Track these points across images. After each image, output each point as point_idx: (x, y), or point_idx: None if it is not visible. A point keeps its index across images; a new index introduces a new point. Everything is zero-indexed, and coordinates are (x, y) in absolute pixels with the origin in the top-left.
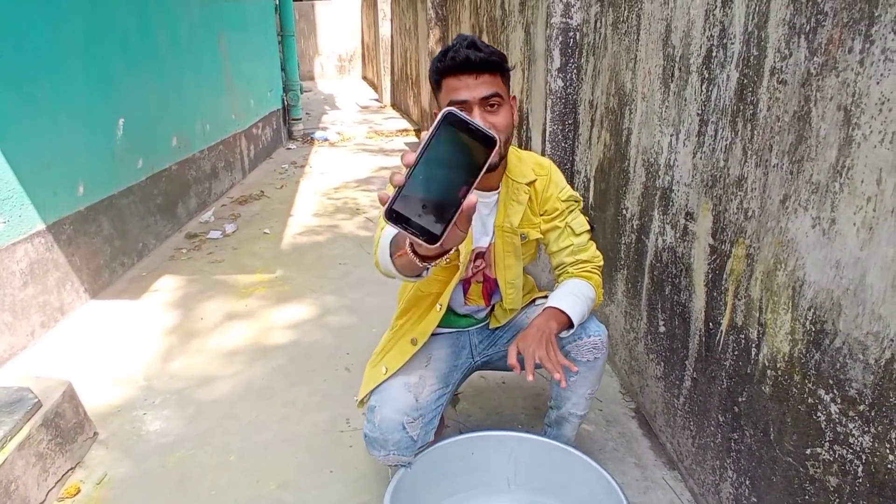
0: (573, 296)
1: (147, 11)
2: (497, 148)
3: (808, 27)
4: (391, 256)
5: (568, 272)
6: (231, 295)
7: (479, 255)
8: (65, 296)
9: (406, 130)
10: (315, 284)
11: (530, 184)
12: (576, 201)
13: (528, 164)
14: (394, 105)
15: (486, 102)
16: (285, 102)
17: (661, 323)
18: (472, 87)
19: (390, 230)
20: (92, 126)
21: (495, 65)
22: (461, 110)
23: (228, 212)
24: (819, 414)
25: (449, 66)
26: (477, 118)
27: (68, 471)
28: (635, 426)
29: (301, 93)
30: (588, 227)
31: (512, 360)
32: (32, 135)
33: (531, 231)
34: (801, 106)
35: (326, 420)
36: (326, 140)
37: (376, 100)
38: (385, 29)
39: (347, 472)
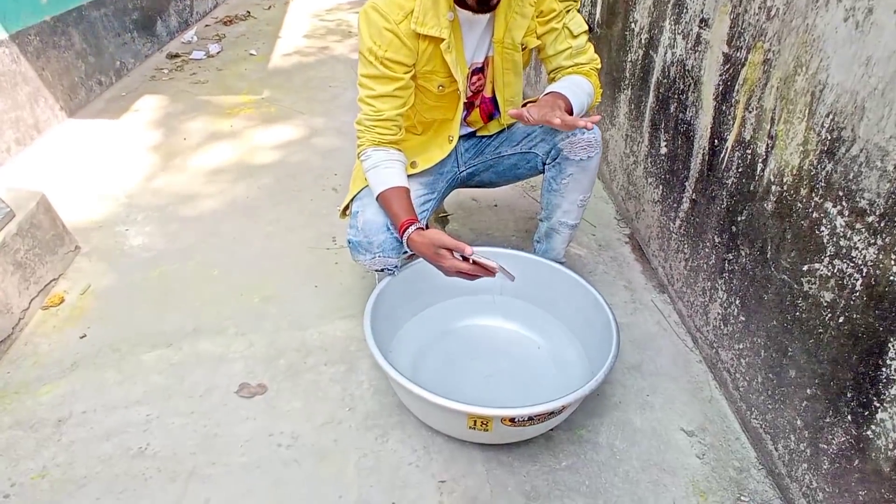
0: (574, 86)
1: None
2: None
3: None
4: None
5: (566, 73)
6: (215, 115)
7: (475, 71)
8: (39, 113)
9: None
10: (303, 106)
11: None
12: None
13: None
14: None
15: None
16: None
17: (664, 144)
18: None
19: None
20: None
21: None
22: None
23: (212, 32)
24: (822, 228)
25: None
26: None
27: (51, 281)
28: (628, 251)
29: None
30: (586, 28)
31: (525, 114)
32: None
33: (530, 39)
34: None
35: (312, 238)
36: None
37: None
38: None
39: (332, 287)
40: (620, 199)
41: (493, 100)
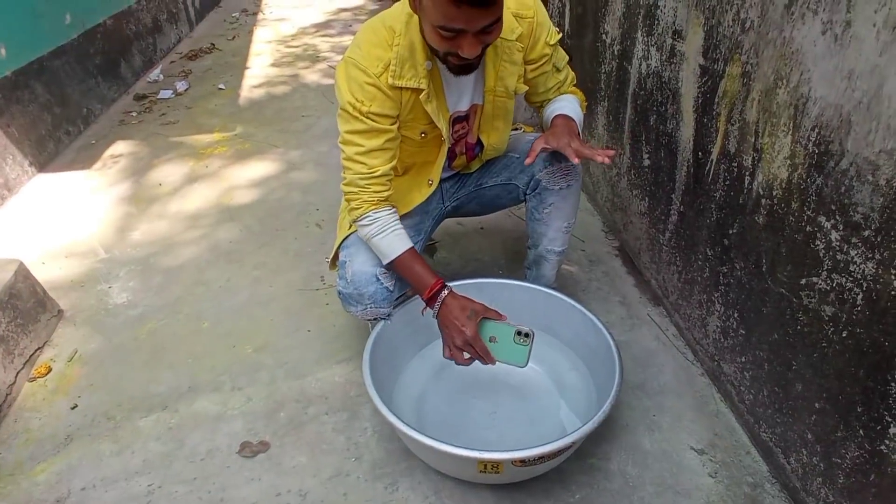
0: (572, 104)
1: None
2: None
3: None
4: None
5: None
6: (189, 157)
7: (458, 119)
8: (8, 171)
9: None
10: (277, 139)
11: (520, 37)
12: (558, 35)
13: (510, 9)
14: None
15: (484, 29)
16: None
17: (646, 156)
18: (472, 19)
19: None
20: None
21: None
22: (451, 36)
23: (178, 68)
24: (818, 242)
25: None
26: (465, 46)
27: (35, 351)
28: (619, 264)
29: None
30: (567, 58)
31: (538, 146)
32: None
33: (519, 86)
34: None
35: (300, 279)
36: None
37: None
38: None
39: (325, 330)
40: (606, 211)
41: (478, 143)
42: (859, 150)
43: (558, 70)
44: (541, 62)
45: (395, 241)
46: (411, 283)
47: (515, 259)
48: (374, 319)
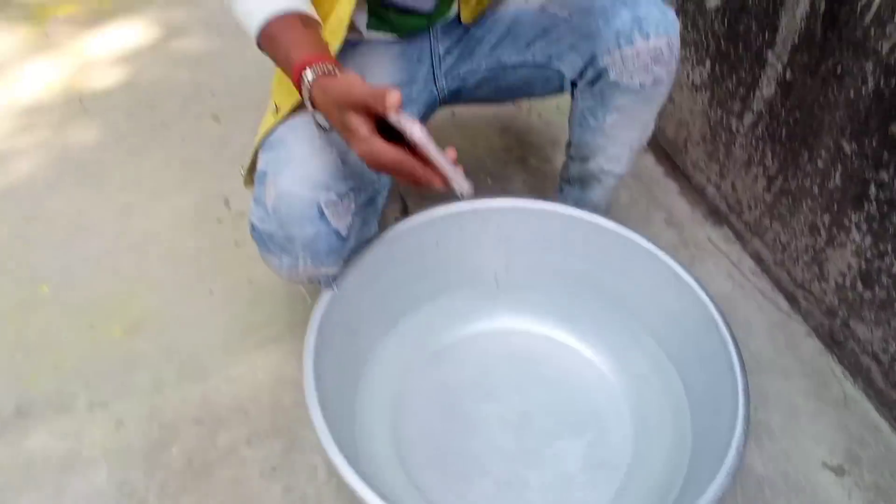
0: None
1: None
2: None
3: None
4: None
5: None
6: (21, 21)
7: None
8: None
9: None
10: None
11: None
12: None
13: None
14: None
15: None
16: None
17: None
18: None
19: None
20: None
21: None
22: None
23: None
24: None
25: None
26: None
27: None
28: (652, 163)
29: None
30: None
31: None
32: None
33: None
34: None
35: (193, 205)
36: None
37: None
38: None
39: (237, 289)
40: None
41: None
42: None
43: None
44: None
45: None
46: (282, 64)
47: (506, 163)
48: (310, 283)
